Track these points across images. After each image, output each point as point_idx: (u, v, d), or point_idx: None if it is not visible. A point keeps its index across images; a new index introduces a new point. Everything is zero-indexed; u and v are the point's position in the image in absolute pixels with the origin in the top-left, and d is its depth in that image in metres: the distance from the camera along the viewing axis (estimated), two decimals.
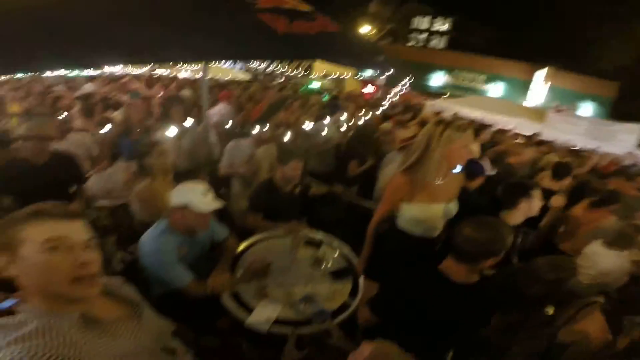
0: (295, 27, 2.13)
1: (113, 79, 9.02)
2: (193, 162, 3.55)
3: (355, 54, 2.90)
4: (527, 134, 7.75)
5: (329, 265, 2.20)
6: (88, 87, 6.75)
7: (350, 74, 19.13)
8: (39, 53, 1.39)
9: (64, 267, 0.82)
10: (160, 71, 14.19)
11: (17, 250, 0.81)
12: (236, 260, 2.19)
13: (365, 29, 23.87)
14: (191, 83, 8.24)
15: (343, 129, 4.82)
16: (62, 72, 7.20)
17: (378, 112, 6.74)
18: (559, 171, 3.55)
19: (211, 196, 1.90)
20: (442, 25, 24.93)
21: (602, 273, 2.37)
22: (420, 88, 18.96)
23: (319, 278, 2.09)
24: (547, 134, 8.15)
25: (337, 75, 19.07)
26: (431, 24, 25.05)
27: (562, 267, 1.70)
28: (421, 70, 20.23)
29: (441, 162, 1.78)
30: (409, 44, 25.08)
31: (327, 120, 4.58)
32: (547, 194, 3.09)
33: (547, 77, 16.88)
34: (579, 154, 6.60)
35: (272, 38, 1.98)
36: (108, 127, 3.77)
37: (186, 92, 6.69)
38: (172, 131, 3.27)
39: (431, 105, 10.14)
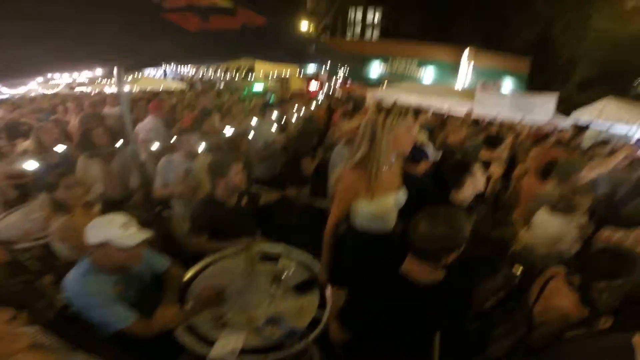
0: (213, 23, 1.93)
1: (22, 102, 7.94)
2: (125, 188, 3.19)
3: (286, 47, 2.75)
4: (461, 114, 8.23)
5: (291, 279, 2.04)
6: None
7: (291, 71, 18.99)
8: None
9: None
10: (82, 88, 12.89)
11: None
12: (185, 290, 1.96)
13: (304, 26, 23.91)
14: (114, 99, 7.51)
15: (289, 129, 4.68)
16: None
17: (321, 106, 6.72)
18: (491, 142, 3.72)
19: (134, 228, 1.68)
20: (374, 16, 25.73)
21: (554, 240, 2.45)
22: (362, 79, 19.37)
23: (282, 295, 1.93)
24: (478, 111, 8.73)
25: (278, 75, 18.81)
26: (364, 15, 25.74)
27: (502, 226, 1.74)
28: (360, 62, 20.65)
29: (388, 150, 1.72)
30: (347, 37, 25.60)
31: (269, 122, 4.41)
32: (488, 166, 3.26)
33: (470, 58, 18.22)
34: (508, 126, 7.16)
35: (183, 38, 1.77)
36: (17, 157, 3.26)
37: (110, 109, 6.04)
38: (92, 156, 2.89)
39: (372, 96, 10.38)
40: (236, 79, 17.10)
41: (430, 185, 2.55)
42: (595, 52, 16.11)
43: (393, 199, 1.85)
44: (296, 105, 6.55)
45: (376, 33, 25.73)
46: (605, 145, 4.94)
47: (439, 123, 6.23)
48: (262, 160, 3.93)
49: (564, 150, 4.39)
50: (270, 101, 8.24)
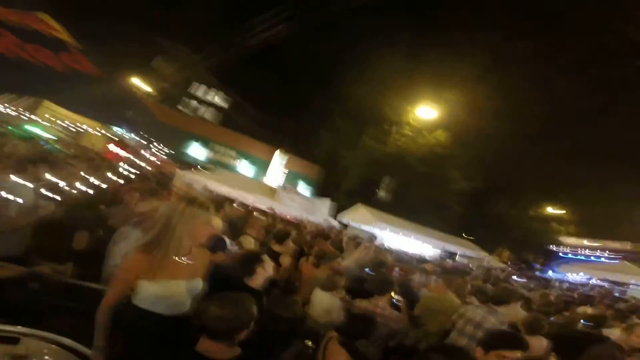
0: (30, 51, 1.73)
1: None
2: None
3: (100, 102, 2.52)
4: (264, 208, 9.41)
5: None
6: None
7: (89, 125, 15.29)
8: None
9: None
10: None
11: None
12: None
13: (143, 83, 21.50)
14: None
15: (66, 193, 3.65)
16: None
17: (118, 177, 5.87)
18: (280, 237, 4.59)
19: None
20: (215, 98, 26.14)
21: (326, 311, 3.20)
22: (177, 156, 18.73)
23: None
24: (278, 209, 10.24)
25: (73, 123, 14.62)
26: (206, 93, 25.79)
27: (292, 306, 2.27)
28: (182, 138, 20.18)
29: (182, 239, 1.82)
30: (179, 108, 24.62)
31: (27, 183, 3.35)
32: (277, 255, 3.99)
33: (280, 158, 21.57)
34: (296, 224, 8.74)
35: None
36: None
37: None
38: None
39: (182, 176, 10.33)
40: (13, 114, 12.24)
41: (228, 273, 2.86)
42: (359, 167, 20.73)
43: (184, 285, 1.89)
44: (86, 166, 5.53)
45: (209, 114, 26.08)
46: (355, 240, 6.94)
47: (243, 215, 6.91)
48: (13, 229, 3.03)
49: (330, 243, 5.83)
50: (49, 149, 6.61)
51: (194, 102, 26.02)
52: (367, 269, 5.06)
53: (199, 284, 2.01)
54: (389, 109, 20.54)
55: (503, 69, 18.56)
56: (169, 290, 1.85)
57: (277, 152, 21.45)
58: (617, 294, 9.94)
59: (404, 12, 20.77)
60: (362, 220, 11.79)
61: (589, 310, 5.33)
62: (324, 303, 3.27)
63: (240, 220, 5.35)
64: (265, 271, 2.59)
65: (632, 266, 14.45)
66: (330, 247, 5.63)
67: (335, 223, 11.95)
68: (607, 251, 26.36)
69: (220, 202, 5.53)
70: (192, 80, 25.17)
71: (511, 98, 19.21)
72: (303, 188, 21.40)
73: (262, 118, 25.25)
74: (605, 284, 13.20)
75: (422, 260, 8.75)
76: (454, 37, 18.59)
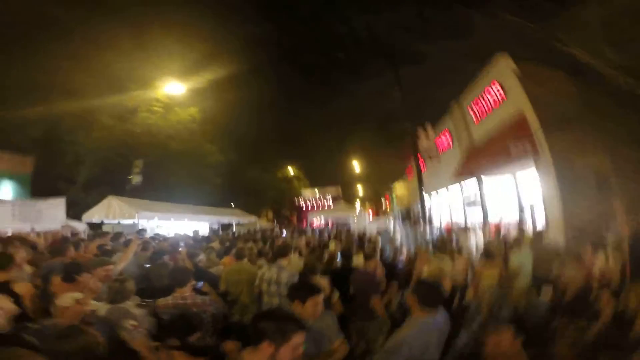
0: None
1: None
2: None
3: None
4: None
5: None
6: None
7: None
8: None
9: None
10: None
11: None
12: None
13: None
14: None
15: None
16: None
17: None
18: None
19: None
20: None
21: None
22: None
23: None
24: None
25: None
26: None
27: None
28: None
29: None
30: None
31: None
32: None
33: None
34: (21, 239, 6.09)
35: None
36: None
37: None
38: None
39: None
40: None
41: None
42: (99, 151, 16.63)
43: None
44: None
45: None
46: (122, 239, 5.77)
47: None
48: None
49: (83, 254, 4.57)
50: None
51: None
52: (147, 265, 4.47)
53: None
54: (133, 85, 17.38)
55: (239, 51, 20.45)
56: None
57: None
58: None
59: None
60: (119, 214, 9.73)
61: (332, 245, 7.06)
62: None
63: None
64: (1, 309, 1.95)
65: (346, 204, 20.73)
66: (88, 254, 4.48)
67: (80, 226, 9.32)
68: (330, 195, 37.84)
69: None
70: None
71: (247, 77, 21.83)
72: (9, 190, 14.96)
73: None
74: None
75: (205, 239, 8.58)
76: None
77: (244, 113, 23.15)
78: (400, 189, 24.00)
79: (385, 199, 32.20)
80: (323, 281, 3.13)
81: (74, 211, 10.53)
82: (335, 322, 2.34)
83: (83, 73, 15.89)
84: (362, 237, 8.15)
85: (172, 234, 8.94)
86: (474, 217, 11.35)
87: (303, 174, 37.51)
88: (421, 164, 13.24)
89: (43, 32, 15.50)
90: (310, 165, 36.44)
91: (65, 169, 17.05)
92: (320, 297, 2.20)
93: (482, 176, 10.37)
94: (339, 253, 5.01)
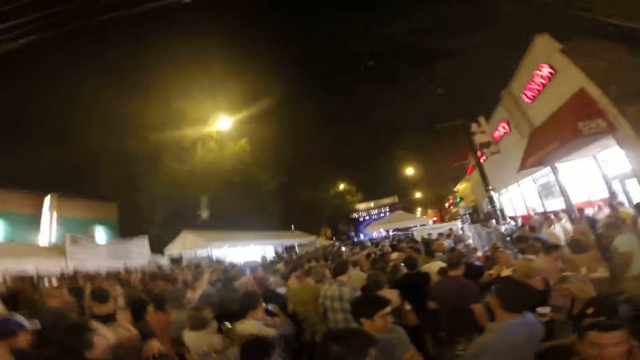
0: None
1: None
2: None
3: None
4: (53, 271, 7.03)
5: None
6: None
7: None
8: None
9: None
10: None
11: None
12: None
13: None
14: None
15: None
16: None
17: None
18: (99, 296, 3.50)
19: None
20: None
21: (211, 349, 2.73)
22: None
23: None
24: (73, 266, 7.82)
25: None
26: None
27: None
28: None
29: None
30: None
31: None
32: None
33: (53, 208, 15.87)
34: (114, 276, 6.96)
35: None
36: None
37: None
38: None
39: None
40: None
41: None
42: (169, 194, 18.57)
43: None
44: None
45: None
46: (197, 268, 6.25)
47: (29, 286, 4.93)
48: None
49: (169, 283, 5.00)
50: None
51: None
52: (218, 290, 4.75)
53: None
54: (186, 126, 19.17)
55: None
56: None
57: (47, 200, 15.82)
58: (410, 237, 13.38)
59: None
60: (193, 246, 10.66)
61: (395, 255, 6.83)
62: (202, 343, 2.79)
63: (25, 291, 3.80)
64: (105, 338, 2.04)
65: (404, 213, 19.88)
66: (169, 285, 4.88)
67: (163, 260, 10.32)
68: (384, 207, 37.21)
69: None
70: None
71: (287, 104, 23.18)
72: (101, 233, 17.03)
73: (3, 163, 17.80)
74: (399, 233, 17.22)
75: (272, 262, 8.90)
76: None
77: (289, 138, 24.31)
78: (463, 189, 22.64)
79: (447, 203, 30.65)
80: (390, 293, 3.05)
81: (155, 247, 11.73)
82: (405, 333, 2.26)
83: (151, 115, 17.92)
84: (428, 244, 7.75)
85: (241, 261, 9.44)
86: (554, 207, 10.16)
87: (355, 188, 37.44)
88: (482, 160, 12.42)
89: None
90: (361, 179, 36.70)
91: (144, 211, 19.15)
92: (387, 310, 2.15)
93: (557, 164, 9.34)
94: (401, 263, 4.85)
